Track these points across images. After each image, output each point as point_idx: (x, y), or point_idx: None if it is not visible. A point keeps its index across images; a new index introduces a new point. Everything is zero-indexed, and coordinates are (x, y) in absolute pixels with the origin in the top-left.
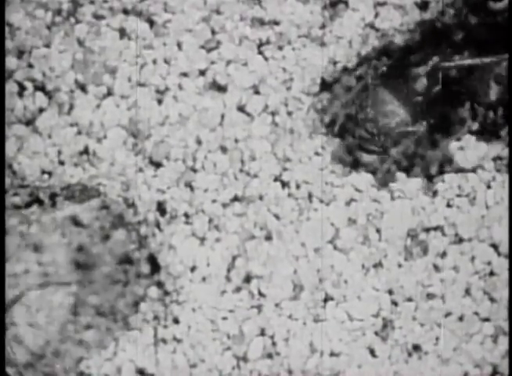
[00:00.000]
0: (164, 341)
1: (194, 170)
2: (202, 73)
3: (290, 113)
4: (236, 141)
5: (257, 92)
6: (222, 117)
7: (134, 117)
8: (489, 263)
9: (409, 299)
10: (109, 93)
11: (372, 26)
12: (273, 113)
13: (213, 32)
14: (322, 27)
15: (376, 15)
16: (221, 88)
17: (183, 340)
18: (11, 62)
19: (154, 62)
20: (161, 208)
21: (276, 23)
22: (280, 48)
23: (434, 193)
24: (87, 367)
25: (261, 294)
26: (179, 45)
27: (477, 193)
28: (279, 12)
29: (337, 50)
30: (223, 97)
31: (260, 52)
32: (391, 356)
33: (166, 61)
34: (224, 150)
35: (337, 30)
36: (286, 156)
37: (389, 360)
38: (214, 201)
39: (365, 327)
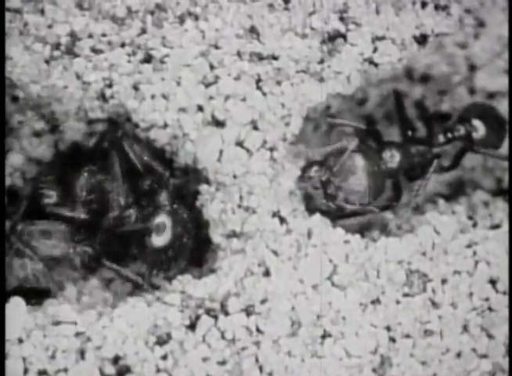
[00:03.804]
0: None
1: None
2: (200, 108)
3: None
4: (235, 177)
5: (255, 128)
6: (221, 152)
7: None
8: (487, 299)
9: (407, 336)
10: None
11: (370, 61)
12: (271, 149)
13: (211, 67)
14: (321, 61)
15: (375, 49)
16: (220, 124)
17: None
18: None
19: (152, 97)
20: None
21: (275, 58)
22: (279, 83)
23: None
24: None
25: (259, 330)
26: (178, 81)
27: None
28: (278, 47)
29: (335, 85)
30: (221, 132)
31: (258, 88)
32: None
33: (164, 96)
34: (222, 185)
35: (336, 66)
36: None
37: None
38: None
39: (362, 363)
